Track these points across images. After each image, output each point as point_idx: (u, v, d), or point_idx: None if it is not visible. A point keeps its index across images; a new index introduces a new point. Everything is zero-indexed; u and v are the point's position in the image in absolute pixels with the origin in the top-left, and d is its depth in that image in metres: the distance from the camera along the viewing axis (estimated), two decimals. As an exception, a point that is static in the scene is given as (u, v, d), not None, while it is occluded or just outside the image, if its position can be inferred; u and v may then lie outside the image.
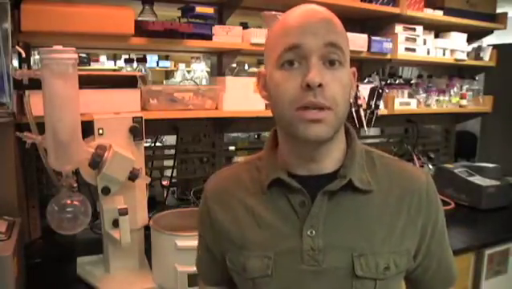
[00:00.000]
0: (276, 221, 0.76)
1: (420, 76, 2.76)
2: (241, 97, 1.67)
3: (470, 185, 2.08)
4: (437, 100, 2.31)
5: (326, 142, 0.72)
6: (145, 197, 1.34)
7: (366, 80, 2.29)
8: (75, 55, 1.10)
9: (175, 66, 5.34)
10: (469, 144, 3.23)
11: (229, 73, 1.94)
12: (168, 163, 1.93)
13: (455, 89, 2.42)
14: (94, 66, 5.20)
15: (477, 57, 2.43)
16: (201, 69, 2.52)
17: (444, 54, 2.29)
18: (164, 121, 1.69)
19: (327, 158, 0.75)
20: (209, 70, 2.30)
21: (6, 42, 1.20)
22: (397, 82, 2.63)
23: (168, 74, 5.42)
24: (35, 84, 1.10)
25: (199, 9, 1.59)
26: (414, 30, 2.14)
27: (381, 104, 2.02)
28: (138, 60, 1.90)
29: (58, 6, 1.33)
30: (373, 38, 1.98)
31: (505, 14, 2.44)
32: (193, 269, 0.95)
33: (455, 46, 2.30)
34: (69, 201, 1.18)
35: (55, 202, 1.17)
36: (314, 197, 0.74)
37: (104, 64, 5.32)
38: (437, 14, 2.19)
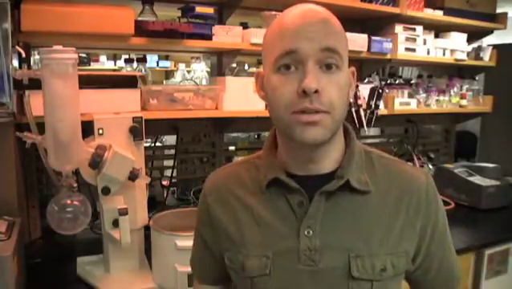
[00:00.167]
0: (275, 221, 0.76)
1: (420, 76, 2.76)
2: (241, 97, 1.67)
3: (470, 185, 2.08)
4: (437, 100, 2.31)
5: (323, 144, 0.71)
6: (145, 197, 1.34)
7: (366, 80, 2.29)
8: (75, 55, 1.10)
9: (175, 66, 5.34)
10: (469, 144, 3.23)
11: (229, 73, 1.94)
12: (168, 163, 1.93)
13: (455, 89, 2.42)
14: (94, 66, 5.20)
15: (477, 57, 2.43)
16: (201, 69, 2.52)
17: (444, 55, 2.29)
18: (164, 121, 1.69)
19: (326, 158, 0.75)
20: (209, 70, 2.30)
21: (6, 42, 1.20)
22: (397, 82, 2.63)
23: (168, 74, 5.42)
24: (35, 84, 1.10)
25: (199, 9, 1.59)
26: (414, 30, 2.14)
27: (381, 104, 2.02)
28: (138, 60, 1.90)
29: (58, 6, 1.33)
30: (373, 38, 1.98)
31: (505, 14, 2.45)
32: (193, 269, 0.95)
33: (455, 46, 2.31)
34: (69, 201, 1.18)
35: (55, 202, 1.17)
36: (312, 197, 0.74)
37: (104, 64, 5.32)
38: (437, 14, 2.19)
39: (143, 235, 1.36)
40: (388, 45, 2.03)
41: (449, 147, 2.73)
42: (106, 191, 1.21)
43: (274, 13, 1.68)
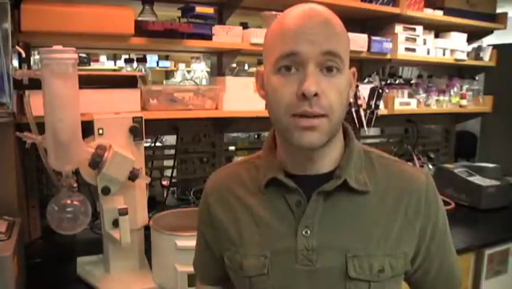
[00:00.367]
0: (273, 221, 0.76)
1: (420, 76, 2.76)
2: (241, 97, 1.67)
3: (470, 185, 2.08)
4: (437, 100, 2.31)
5: (321, 147, 0.71)
6: (145, 197, 1.34)
7: (366, 80, 2.29)
8: (75, 55, 1.10)
9: (175, 66, 5.34)
10: (469, 144, 3.23)
11: (229, 73, 1.94)
12: (168, 163, 1.93)
13: (455, 89, 2.42)
14: (94, 66, 5.20)
15: (477, 57, 2.43)
16: (201, 69, 2.51)
17: (444, 55, 2.29)
18: (164, 121, 1.69)
19: (325, 158, 0.75)
20: (209, 70, 2.30)
21: (6, 42, 1.20)
22: (397, 82, 2.63)
23: (168, 74, 5.42)
24: (35, 84, 1.10)
25: (199, 9, 1.59)
26: (414, 30, 2.14)
27: (381, 104, 2.02)
28: (138, 60, 1.90)
29: (58, 6, 1.33)
30: (373, 38, 1.98)
31: (505, 14, 2.44)
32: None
33: (455, 46, 2.31)
34: (69, 201, 1.18)
35: (55, 202, 1.17)
36: (310, 197, 0.74)
37: (104, 64, 5.32)
38: (437, 14, 2.19)
39: (143, 235, 1.36)
40: (388, 45, 2.03)
41: (449, 147, 2.73)
42: (106, 191, 1.21)
43: (274, 13, 1.68)
